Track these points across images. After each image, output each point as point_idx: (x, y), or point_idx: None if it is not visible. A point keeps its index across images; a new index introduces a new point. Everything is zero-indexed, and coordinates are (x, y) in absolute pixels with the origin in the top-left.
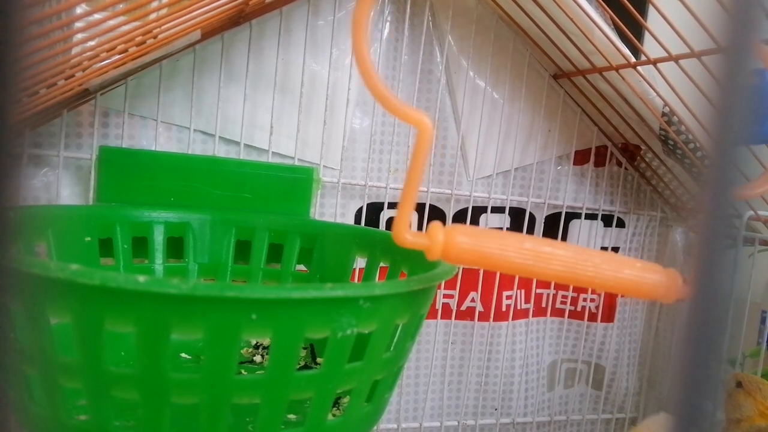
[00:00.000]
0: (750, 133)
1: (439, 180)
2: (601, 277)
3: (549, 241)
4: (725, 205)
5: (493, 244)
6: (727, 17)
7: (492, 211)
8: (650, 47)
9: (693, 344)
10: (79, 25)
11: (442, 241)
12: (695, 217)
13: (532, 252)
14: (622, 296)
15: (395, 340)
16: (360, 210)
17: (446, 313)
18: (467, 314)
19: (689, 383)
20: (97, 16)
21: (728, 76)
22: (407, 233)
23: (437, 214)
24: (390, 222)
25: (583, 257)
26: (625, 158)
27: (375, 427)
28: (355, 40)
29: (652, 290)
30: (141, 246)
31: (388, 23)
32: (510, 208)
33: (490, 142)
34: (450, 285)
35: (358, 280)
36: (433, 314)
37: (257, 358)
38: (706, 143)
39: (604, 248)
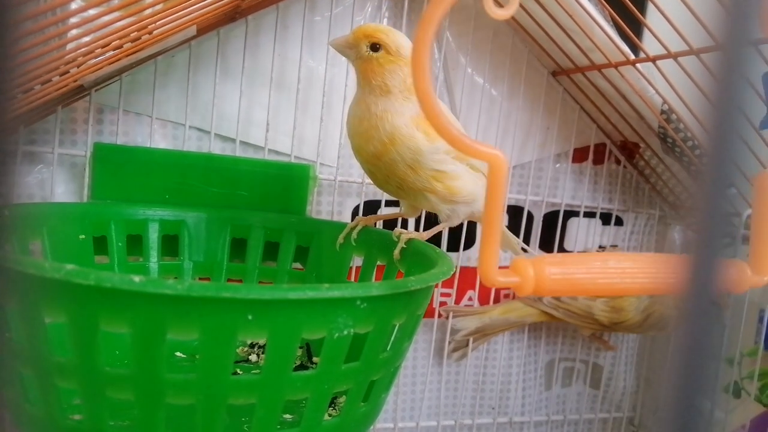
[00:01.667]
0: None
1: None
2: (680, 280)
3: (628, 255)
4: (722, 202)
5: (580, 269)
6: (725, 14)
7: None
8: (649, 44)
9: (689, 343)
10: (73, 20)
11: (533, 276)
12: (692, 214)
13: (616, 270)
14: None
15: (392, 340)
16: (357, 208)
17: (441, 313)
18: None
19: (686, 382)
20: (91, 12)
21: (725, 73)
22: (497, 274)
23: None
24: (388, 222)
25: (663, 265)
26: (624, 156)
27: (371, 427)
28: (417, 76)
29: (725, 285)
30: (135, 244)
31: (385, 19)
32: (508, 206)
33: (488, 140)
34: (447, 284)
35: (355, 279)
36: (430, 313)
37: (253, 357)
38: (703, 140)
39: (602, 247)
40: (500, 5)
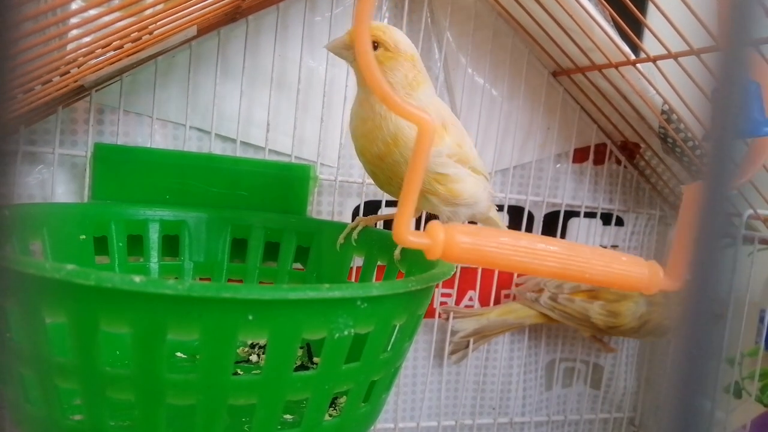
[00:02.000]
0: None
1: None
2: (591, 271)
3: (542, 237)
4: (722, 203)
5: (491, 242)
6: (725, 14)
7: None
8: (650, 45)
9: (690, 343)
10: (74, 21)
11: (443, 240)
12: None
13: (527, 249)
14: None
15: (392, 340)
16: (357, 208)
17: (440, 314)
18: None
19: (686, 382)
20: (92, 12)
21: (725, 73)
22: (409, 233)
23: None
24: (388, 223)
25: (575, 253)
26: (625, 156)
27: (372, 427)
28: (357, 35)
29: (636, 283)
30: (136, 244)
31: (386, 19)
32: (508, 206)
33: (488, 140)
34: (448, 284)
35: (356, 279)
36: (431, 313)
37: (253, 358)
38: (703, 140)
39: (602, 247)
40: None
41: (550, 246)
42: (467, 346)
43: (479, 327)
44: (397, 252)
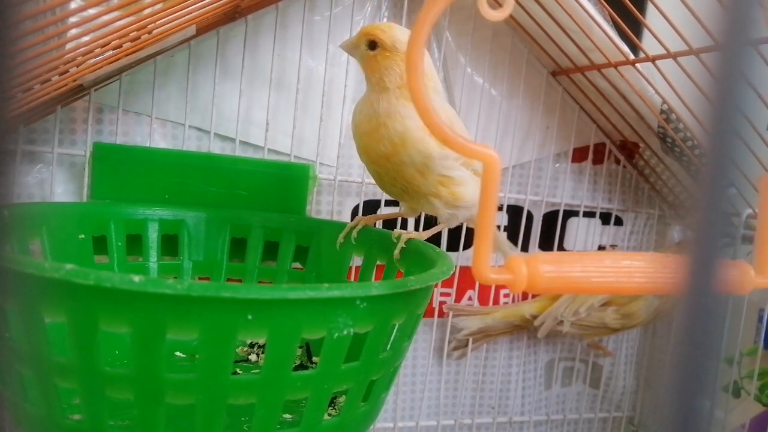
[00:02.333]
0: None
1: None
2: (673, 280)
3: (625, 254)
4: (721, 202)
5: (575, 268)
6: (724, 13)
7: None
8: (649, 44)
9: (689, 342)
10: (73, 20)
11: (526, 273)
12: (691, 214)
13: (612, 269)
14: None
15: (392, 339)
16: (356, 207)
17: (443, 312)
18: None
19: (685, 382)
20: (91, 12)
21: (725, 72)
22: (490, 271)
23: None
24: (388, 222)
25: (661, 265)
26: (624, 156)
27: (371, 427)
28: (411, 76)
29: (728, 285)
30: (135, 243)
31: (385, 19)
32: (508, 205)
33: (487, 139)
34: (447, 283)
35: (355, 279)
36: (430, 313)
37: (252, 357)
38: (703, 140)
39: (601, 247)
40: (497, 4)
41: (635, 261)
42: (467, 345)
43: (483, 326)
44: (396, 252)
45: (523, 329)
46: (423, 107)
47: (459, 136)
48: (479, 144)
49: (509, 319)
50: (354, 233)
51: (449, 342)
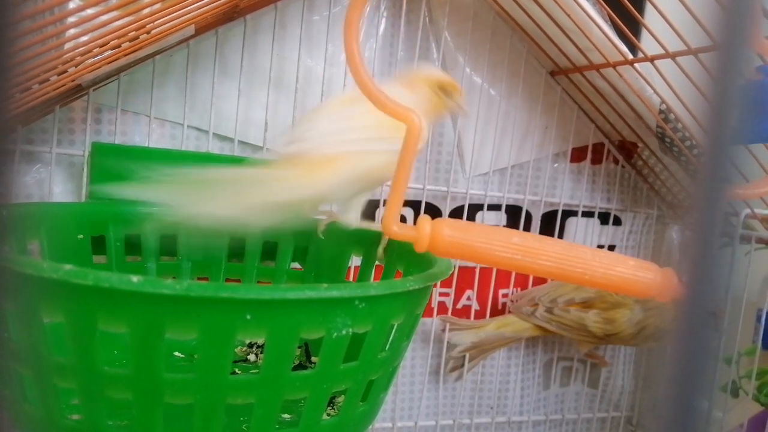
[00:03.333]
0: (750, 131)
1: (435, 177)
2: (591, 273)
3: (538, 236)
4: (719, 202)
5: (479, 238)
6: (723, 13)
7: (488, 209)
8: (648, 44)
9: (687, 343)
10: (71, 20)
11: (429, 233)
12: (689, 213)
13: (519, 247)
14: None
15: (391, 339)
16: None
17: (442, 311)
18: (463, 312)
19: (683, 382)
20: (89, 11)
21: (723, 72)
22: (395, 225)
23: (433, 211)
24: None
25: (574, 253)
26: (622, 156)
27: (370, 427)
28: (347, 36)
29: (645, 288)
30: (134, 244)
31: (384, 19)
32: (506, 205)
33: (486, 139)
34: (446, 283)
35: (354, 279)
36: (428, 312)
37: (251, 357)
38: (701, 140)
39: (600, 246)
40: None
41: (546, 245)
42: (464, 365)
43: (477, 340)
44: (380, 250)
45: (517, 341)
46: (354, 62)
47: (384, 95)
48: (402, 105)
49: (501, 331)
50: (321, 226)
51: (446, 362)
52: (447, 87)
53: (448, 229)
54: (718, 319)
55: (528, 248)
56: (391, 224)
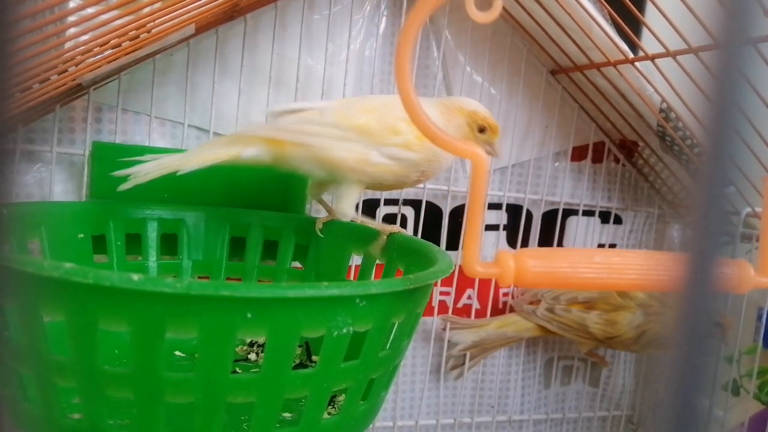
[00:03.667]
0: None
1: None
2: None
3: (617, 251)
4: (720, 200)
5: (562, 263)
6: (723, 12)
7: (489, 208)
8: (648, 43)
9: (687, 341)
10: (71, 19)
11: (513, 267)
12: (690, 212)
13: (603, 265)
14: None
15: (391, 338)
16: (356, 206)
17: (443, 310)
18: (464, 311)
19: (683, 380)
20: (90, 11)
21: (724, 71)
22: (478, 265)
23: (434, 210)
24: (387, 218)
25: (654, 262)
26: (623, 155)
27: (371, 426)
28: (399, 75)
29: (725, 284)
30: (134, 243)
31: (384, 18)
32: (507, 204)
33: None
34: (447, 282)
35: (354, 278)
36: (429, 311)
37: (252, 356)
38: (702, 138)
39: (601, 245)
40: (489, 5)
41: (628, 259)
42: (464, 363)
43: (478, 339)
44: (375, 247)
45: (518, 341)
46: (412, 107)
47: (446, 134)
48: (467, 142)
49: (502, 330)
50: (319, 224)
51: (447, 360)
52: (484, 123)
53: (531, 261)
54: (724, 330)
55: (612, 265)
56: (474, 264)
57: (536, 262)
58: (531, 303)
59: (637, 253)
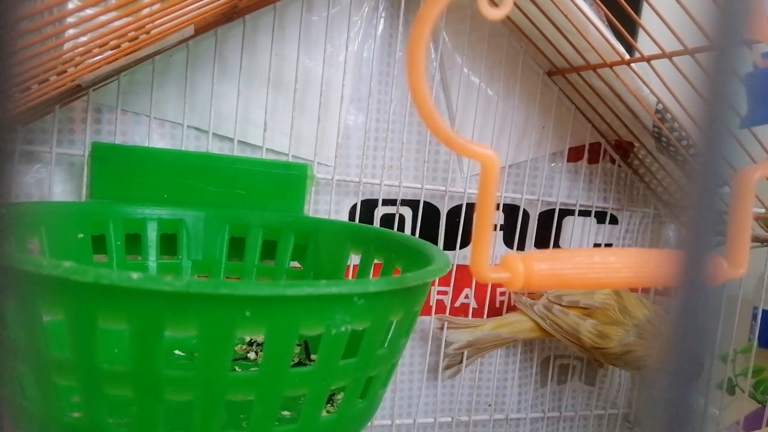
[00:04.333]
0: (758, 117)
1: (433, 177)
2: (663, 274)
3: (613, 250)
4: (714, 200)
5: (567, 265)
6: (718, 13)
7: None
8: (644, 44)
9: (682, 340)
10: (70, 20)
11: (523, 271)
12: (684, 212)
13: (602, 264)
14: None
15: (389, 336)
16: (354, 207)
17: (440, 309)
18: (461, 310)
19: (679, 380)
20: (88, 12)
21: (718, 72)
22: (488, 270)
23: (431, 210)
24: (384, 218)
25: (646, 259)
26: (619, 155)
27: (369, 424)
28: (411, 74)
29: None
30: (134, 243)
31: (382, 19)
32: (504, 204)
33: (484, 139)
34: (444, 281)
35: (353, 277)
36: (427, 310)
37: (251, 355)
38: (695, 137)
39: (597, 245)
40: (495, 5)
41: (623, 258)
42: (461, 362)
43: (473, 339)
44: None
45: (513, 342)
46: (425, 108)
47: (459, 137)
48: (478, 144)
49: (498, 331)
50: None
51: (443, 359)
52: None
53: (538, 264)
54: (715, 314)
55: (609, 264)
56: (484, 269)
57: (543, 265)
58: (531, 296)
59: (630, 252)
